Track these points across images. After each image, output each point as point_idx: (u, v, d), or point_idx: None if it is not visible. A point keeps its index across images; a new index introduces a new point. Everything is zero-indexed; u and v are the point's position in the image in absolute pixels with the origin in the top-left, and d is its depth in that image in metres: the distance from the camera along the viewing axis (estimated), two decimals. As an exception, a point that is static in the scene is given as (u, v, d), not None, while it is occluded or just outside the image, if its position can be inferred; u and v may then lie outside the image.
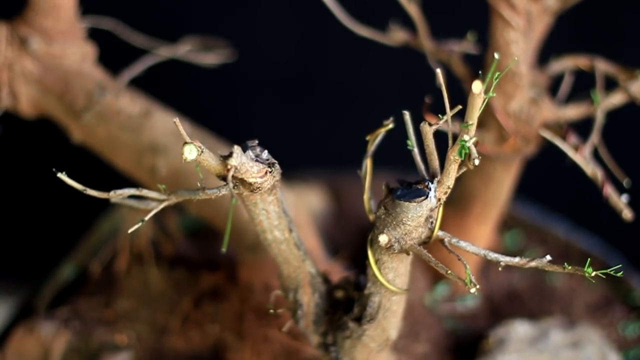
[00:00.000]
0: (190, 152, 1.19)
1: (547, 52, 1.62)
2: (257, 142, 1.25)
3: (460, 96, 1.22)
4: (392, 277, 1.30)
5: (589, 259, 1.23)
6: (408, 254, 1.27)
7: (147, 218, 1.24)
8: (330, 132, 2.55)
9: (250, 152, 1.23)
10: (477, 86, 1.12)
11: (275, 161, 1.26)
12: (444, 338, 1.73)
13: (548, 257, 1.22)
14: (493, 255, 1.24)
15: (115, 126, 1.59)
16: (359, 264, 1.37)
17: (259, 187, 1.25)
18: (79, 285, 1.82)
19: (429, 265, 1.25)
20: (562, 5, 1.56)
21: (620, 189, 1.52)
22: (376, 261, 1.30)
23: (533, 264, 1.23)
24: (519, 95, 1.57)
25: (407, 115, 1.25)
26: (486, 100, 1.13)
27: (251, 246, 1.64)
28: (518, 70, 1.55)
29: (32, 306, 1.80)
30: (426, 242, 1.26)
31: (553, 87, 1.61)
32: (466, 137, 1.16)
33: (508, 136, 1.58)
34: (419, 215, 1.24)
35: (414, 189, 1.24)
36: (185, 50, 1.69)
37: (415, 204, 1.23)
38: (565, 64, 1.60)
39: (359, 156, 1.34)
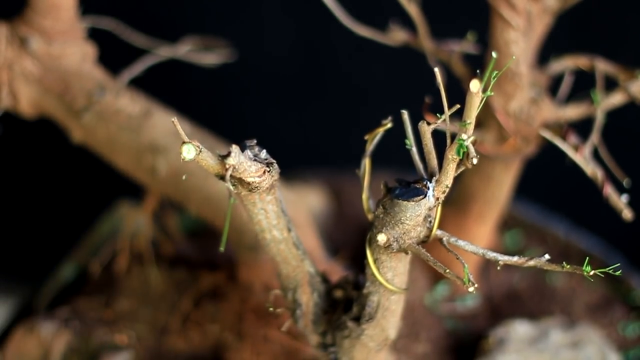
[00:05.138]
0: (188, 152, 1.18)
1: (547, 52, 1.62)
2: (255, 141, 1.25)
3: (461, 96, 1.22)
4: (390, 276, 1.30)
5: (587, 258, 1.23)
6: (407, 253, 1.27)
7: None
8: (330, 132, 2.55)
9: (248, 152, 1.23)
10: (475, 85, 1.11)
11: (274, 161, 1.25)
12: (444, 338, 1.73)
13: (547, 256, 1.22)
14: (491, 254, 1.23)
15: (115, 126, 1.59)
16: (359, 264, 1.37)
17: (257, 187, 1.25)
18: (79, 285, 1.82)
19: (429, 265, 1.25)
20: (562, 5, 1.55)
21: (620, 189, 1.52)
22: (375, 260, 1.29)
23: (532, 263, 1.23)
24: (519, 95, 1.57)
25: (405, 115, 1.25)
26: (484, 99, 1.13)
27: (251, 246, 1.64)
28: (518, 70, 1.55)
29: (32, 306, 1.80)
30: (425, 242, 1.26)
31: (553, 87, 1.61)
32: (464, 136, 1.16)
33: (508, 136, 1.58)
34: (418, 215, 1.23)
35: (412, 188, 1.24)
36: (185, 50, 1.69)
37: (413, 203, 1.23)
38: (565, 64, 1.60)
39: (359, 156, 1.34)
